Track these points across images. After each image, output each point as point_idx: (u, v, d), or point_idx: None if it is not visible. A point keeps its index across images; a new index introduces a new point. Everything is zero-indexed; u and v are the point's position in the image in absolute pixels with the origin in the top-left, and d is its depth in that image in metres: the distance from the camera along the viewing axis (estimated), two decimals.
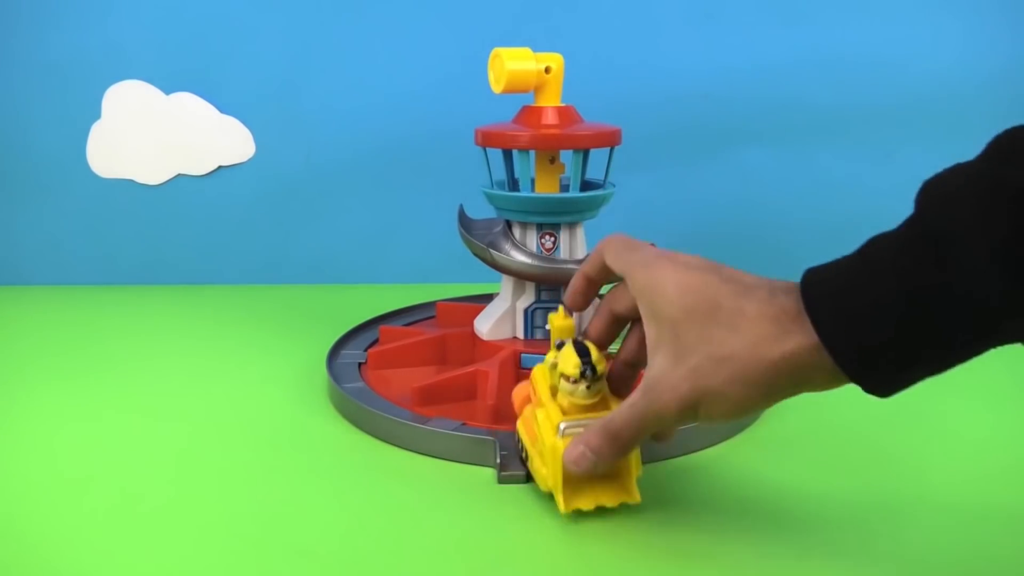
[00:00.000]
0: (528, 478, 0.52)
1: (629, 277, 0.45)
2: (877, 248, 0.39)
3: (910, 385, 0.38)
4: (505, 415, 0.59)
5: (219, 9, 0.94)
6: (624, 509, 0.49)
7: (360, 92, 0.96)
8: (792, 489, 0.52)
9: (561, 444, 0.46)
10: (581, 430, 0.46)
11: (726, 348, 0.40)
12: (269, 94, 0.96)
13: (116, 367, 0.74)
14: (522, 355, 0.65)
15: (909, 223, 0.38)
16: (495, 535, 0.47)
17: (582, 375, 0.46)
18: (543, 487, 0.49)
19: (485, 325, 0.68)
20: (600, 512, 0.48)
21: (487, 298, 0.73)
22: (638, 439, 0.45)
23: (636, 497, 0.48)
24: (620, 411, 0.44)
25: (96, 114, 0.97)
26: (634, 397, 0.43)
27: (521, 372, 0.65)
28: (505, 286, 0.69)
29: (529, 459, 0.51)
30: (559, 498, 0.47)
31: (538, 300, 0.67)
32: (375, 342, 0.74)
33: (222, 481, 0.53)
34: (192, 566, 0.44)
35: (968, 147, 0.92)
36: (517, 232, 0.66)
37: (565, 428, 0.46)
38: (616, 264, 0.47)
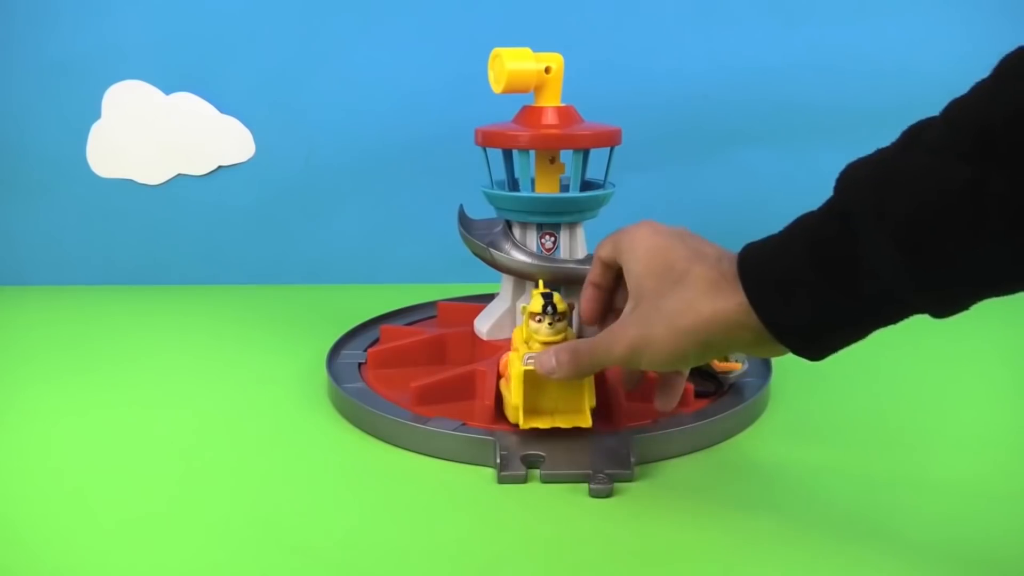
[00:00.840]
0: (527, 478, 0.53)
1: (614, 241, 0.52)
2: (800, 225, 0.45)
3: (834, 349, 0.44)
4: (503, 414, 0.59)
5: (219, 9, 0.94)
6: (624, 510, 0.49)
7: (360, 92, 0.96)
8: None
9: (523, 368, 0.53)
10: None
11: (669, 301, 0.46)
12: (269, 94, 0.96)
13: (116, 367, 0.74)
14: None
15: (826, 203, 0.44)
16: (495, 535, 0.47)
17: (544, 311, 0.55)
18: (511, 419, 0.56)
19: (485, 325, 0.68)
20: (600, 512, 0.49)
21: (487, 298, 0.73)
22: (593, 365, 0.51)
23: (588, 422, 0.55)
24: (587, 339, 0.51)
25: (96, 114, 0.97)
26: (600, 332, 0.51)
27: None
28: (505, 286, 0.69)
29: (505, 403, 0.57)
30: (520, 416, 0.55)
31: None
32: (375, 342, 0.74)
33: (222, 481, 0.53)
34: (192, 566, 0.44)
35: None
36: (517, 232, 0.66)
37: (528, 358, 0.54)
38: (604, 247, 0.53)
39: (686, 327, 0.45)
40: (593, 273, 0.54)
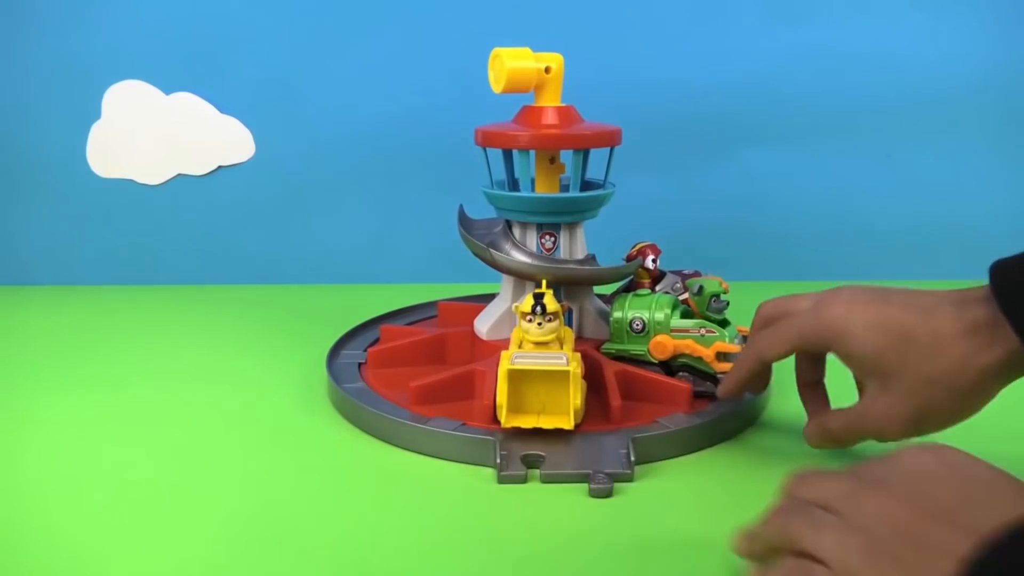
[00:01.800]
0: (527, 478, 0.53)
1: (816, 331, 0.50)
2: None
3: None
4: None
5: (219, 9, 0.94)
6: (624, 510, 0.49)
7: (360, 92, 0.96)
8: None
9: (509, 367, 0.54)
10: (530, 360, 0.55)
11: (936, 370, 0.45)
12: (269, 94, 0.96)
13: (116, 367, 0.74)
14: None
15: None
16: (495, 535, 0.47)
17: (533, 310, 0.56)
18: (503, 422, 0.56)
19: (485, 325, 0.68)
20: (600, 512, 0.49)
21: (487, 298, 0.73)
22: (852, 442, 0.51)
23: (570, 424, 0.55)
24: (836, 418, 0.51)
25: (96, 114, 0.97)
26: (848, 414, 0.50)
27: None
28: (505, 286, 0.69)
29: (498, 407, 0.56)
30: (501, 415, 0.55)
31: None
32: (375, 342, 0.74)
33: (222, 481, 0.53)
34: (192, 565, 0.44)
35: (968, 147, 0.92)
36: (517, 232, 0.66)
37: (516, 357, 0.55)
38: (798, 339, 0.51)
39: (967, 389, 0.45)
40: (803, 373, 0.55)
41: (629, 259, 0.68)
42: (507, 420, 0.55)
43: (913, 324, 0.46)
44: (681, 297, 0.66)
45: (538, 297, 0.56)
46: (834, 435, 0.52)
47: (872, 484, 0.35)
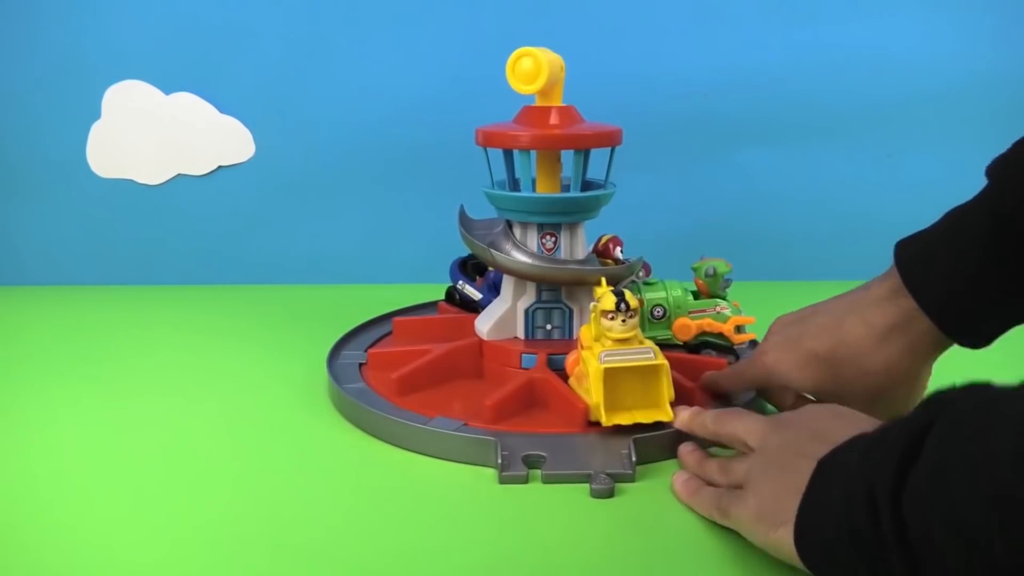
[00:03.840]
0: (528, 478, 0.53)
1: (753, 380, 0.59)
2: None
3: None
4: (504, 416, 0.59)
5: (219, 9, 0.94)
6: (625, 510, 0.49)
7: (360, 92, 0.96)
8: None
9: (605, 366, 0.55)
10: (622, 357, 0.56)
11: (870, 382, 0.51)
12: (269, 94, 0.96)
13: (116, 367, 0.74)
14: (522, 355, 0.65)
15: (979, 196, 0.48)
16: (496, 535, 0.47)
17: (617, 308, 0.56)
18: (594, 417, 0.57)
19: (486, 325, 0.68)
20: (601, 512, 0.49)
21: (431, 306, 0.74)
22: None
23: (669, 415, 0.56)
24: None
25: (96, 114, 0.97)
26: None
27: (506, 370, 0.65)
28: (506, 286, 0.69)
29: (595, 407, 0.57)
30: (601, 413, 0.56)
31: (539, 300, 0.67)
32: (375, 342, 0.74)
33: (222, 481, 0.53)
34: (192, 565, 0.44)
35: (969, 147, 0.92)
36: (518, 232, 0.66)
37: (605, 356, 0.56)
38: (750, 382, 0.60)
39: (902, 382, 0.51)
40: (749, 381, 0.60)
41: (597, 253, 0.69)
42: (608, 419, 0.56)
43: (834, 352, 0.52)
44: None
45: (620, 295, 0.57)
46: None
47: (781, 424, 0.46)
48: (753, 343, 0.70)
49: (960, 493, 0.30)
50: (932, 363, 0.52)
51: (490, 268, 0.74)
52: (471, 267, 0.78)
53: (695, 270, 0.69)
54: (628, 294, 0.57)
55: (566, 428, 0.58)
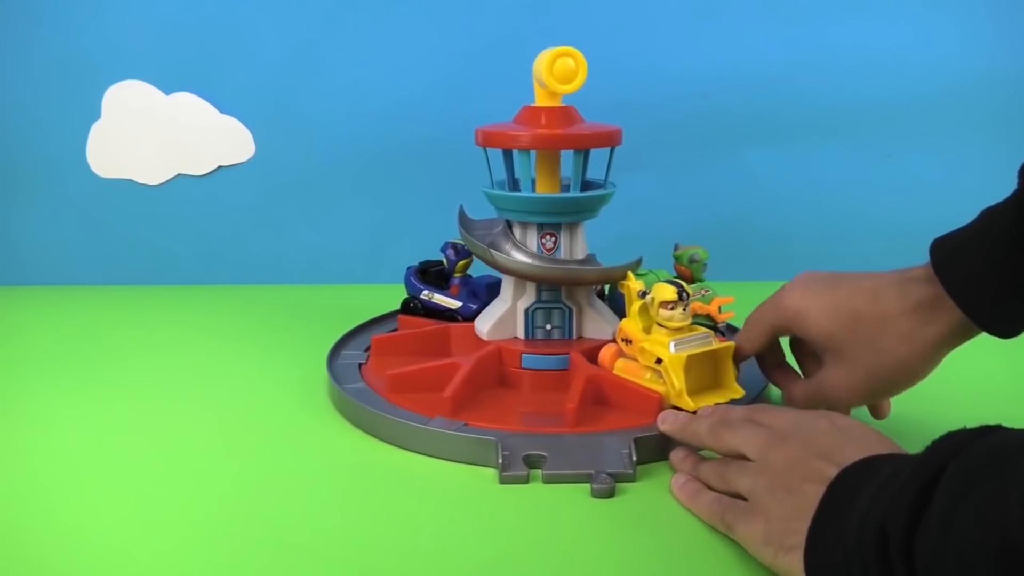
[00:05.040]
0: (529, 478, 0.53)
1: (772, 324, 0.57)
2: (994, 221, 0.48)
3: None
4: (464, 405, 0.60)
5: (219, 9, 0.94)
6: (626, 509, 0.49)
7: (360, 92, 0.96)
8: None
9: (683, 355, 0.57)
10: (692, 343, 0.58)
11: (884, 345, 0.51)
12: (269, 94, 0.96)
13: (116, 368, 0.74)
14: (523, 355, 0.65)
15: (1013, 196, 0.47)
16: (497, 535, 0.47)
17: (679, 298, 0.57)
18: (676, 403, 0.58)
19: (485, 325, 0.68)
20: (602, 512, 0.49)
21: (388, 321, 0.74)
22: (813, 408, 0.52)
23: (740, 391, 0.59)
24: (798, 388, 0.57)
25: (96, 114, 0.97)
26: (808, 384, 0.56)
27: (513, 371, 0.65)
28: (506, 286, 0.69)
29: (677, 394, 0.58)
30: (685, 400, 0.57)
31: (538, 300, 0.67)
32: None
33: (222, 481, 0.53)
34: (192, 565, 0.44)
35: (969, 147, 0.92)
36: (518, 232, 0.66)
37: (676, 345, 0.58)
38: (768, 324, 0.58)
39: (916, 362, 0.51)
40: (767, 358, 0.60)
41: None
42: (694, 402, 0.57)
43: (861, 307, 0.52)
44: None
45: (679, 285, 0.58)
46: (798, 403, 0.57)
47: (780, 437, 0.46)
48: (730, 327, 0.74)
49: (969, 546, 0.30)
50: (951, 350, 0.52)
51: (455, 275, 0.74)
52: (434, 275, 0.76)
53: (677, 258, 0.72)
54: (685, 284, 0.59)
55: (644, 420, 0.58)
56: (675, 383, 0.57)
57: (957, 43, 0.94)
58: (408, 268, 0.77)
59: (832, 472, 0.40)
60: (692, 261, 0.71)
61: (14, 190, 0.99)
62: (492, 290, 0.73)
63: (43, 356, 0.77)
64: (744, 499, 0.45)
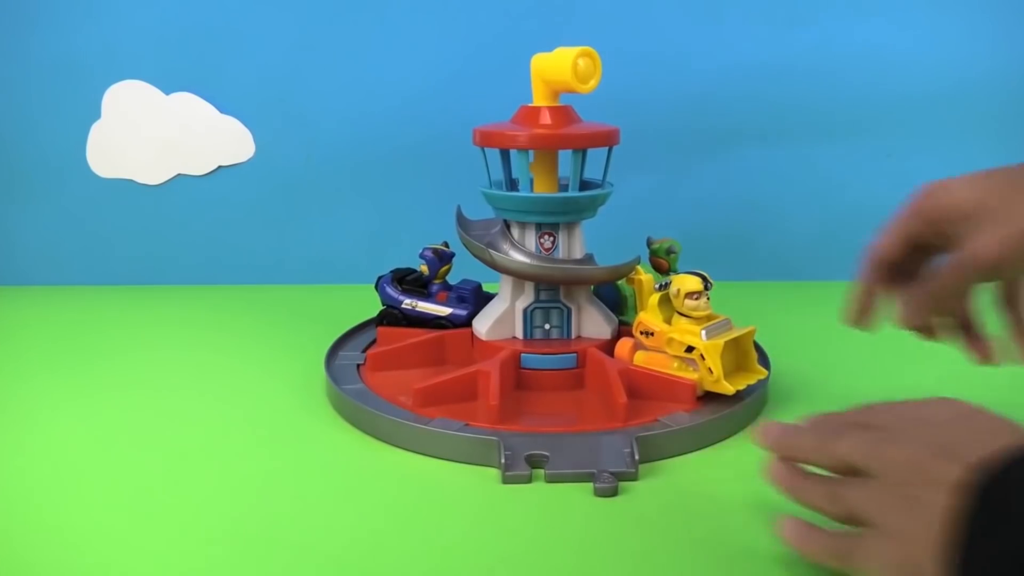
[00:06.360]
0: (531, 478, 0.53)
1: (909, 213, 0.52)
2: None
3: None
4: (508, 414, 0.59)
5: (219, 9, 0.94)
6: (629, 509, 0.49)
7: (359, 92, 0.96)
8: None
9: (720, 343, 0.59)
10: (721, 329, 0.61)
11: None
12: (269, 94, 0.96)
13: (115, 368, 0.74)
14: (522, 355, 0.65)
15: None
16: (500, 535, 0.47)
17: (705, 287, 0.60)
18: (714, 389, 0.60)
19: (484, 325, 0.68)
20: (604, 511, 0.49)
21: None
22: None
23: (764, 372, 0.62)
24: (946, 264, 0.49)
25: (96, 114, 0.97)
26: (955, 255, 0.48)
27: (521, 371, 0.65)
28: (504, 286, 0.69)
29: (716, 380, 0.60)
30: (724, 384, 0.59)
31: (537, 300, 0.67)
32: (373, 342, 0.74)
33: (221, 481, 0.53)
34: (191, 565, 0.44)
35: (970, 147, 0.92)
36: (516, 232, 0.66)
37: (707, 331, 0.60)
38: (921, 216, 0.51)
39: None
40: (894, 252, 0.52)
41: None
42: (733, 385, 0.59)
43: (1015, 171, 0.47)
44: None
45: (703, 276, 0.60)
46: (945, 276, 0.50)
47: (892, 436, 0.39)
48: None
49: None
50: None
51: (435, 281, 0.73)
52: (411, 283, 0.74)
53: (655, 251, 0.73)
54: (706, 274, 0.61)
55: (683, 407, 0.60)
56: (714, 369, 0.59)
57: (957, 43, 0.94)
58: (380, 277, 0.75)
59: (956, 470, 0.35)
60: (670, 252, 0.73)
61: (14, 190, 0.99)
62: (481, 295, 0.73)
63: (43, 356, 0.77)
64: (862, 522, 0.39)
